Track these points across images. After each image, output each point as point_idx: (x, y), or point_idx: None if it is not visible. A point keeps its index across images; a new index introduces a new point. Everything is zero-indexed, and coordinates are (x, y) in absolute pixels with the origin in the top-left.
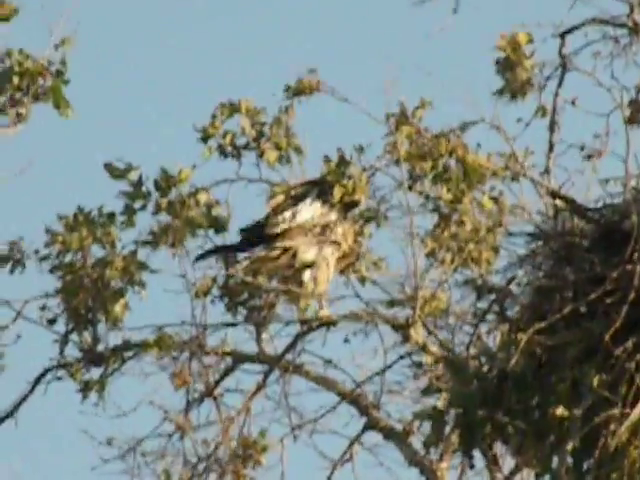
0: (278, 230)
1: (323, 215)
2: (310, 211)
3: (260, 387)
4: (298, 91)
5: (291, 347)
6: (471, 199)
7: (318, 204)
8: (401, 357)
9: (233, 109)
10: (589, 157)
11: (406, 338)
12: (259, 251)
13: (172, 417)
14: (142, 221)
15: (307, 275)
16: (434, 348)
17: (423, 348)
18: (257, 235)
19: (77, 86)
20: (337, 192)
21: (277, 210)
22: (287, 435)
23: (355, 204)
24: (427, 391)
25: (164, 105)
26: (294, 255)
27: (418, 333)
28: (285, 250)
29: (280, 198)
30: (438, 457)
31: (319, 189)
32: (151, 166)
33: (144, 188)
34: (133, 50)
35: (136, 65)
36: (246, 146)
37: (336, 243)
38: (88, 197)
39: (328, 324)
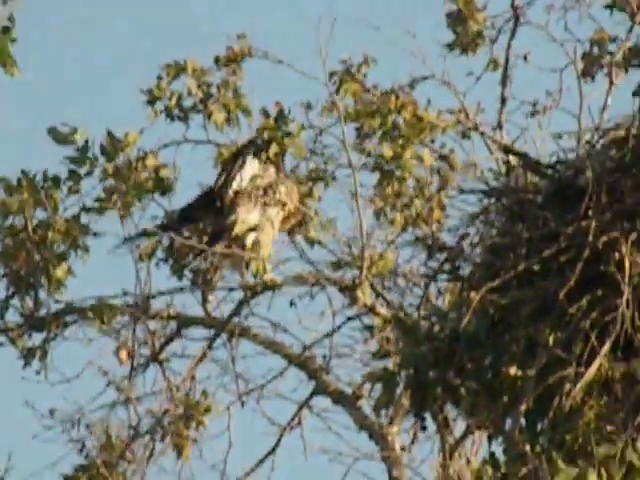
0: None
1: (262, 173)
2: (249, 172)
3: (205, 353)
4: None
5: (236, 312)
6: (412, 155)
7: (255, 163)
8: (349, 319)
9: (179, 69)
10: (533, 114)
11: (353, 300)
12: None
13: (116, 383)
14: (87, 186)
15: (250, 239)
16: (382, 309)
17: (371, 309)
18: (204, 205)
19: (22, 44)
20: (273, 149)
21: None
22: (234, 402)
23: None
24: (377, 355)
25: (110, 66)
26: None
27: (365, 294)
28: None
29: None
30: (388, 421)
31: (254, 148)
32: (97, 130)
33: (90, 153)
34: (80, 8)
35: (83, 25)
36: (193, 107)
37: (281, 203)
38: (33, 160)
39: (273, 287)
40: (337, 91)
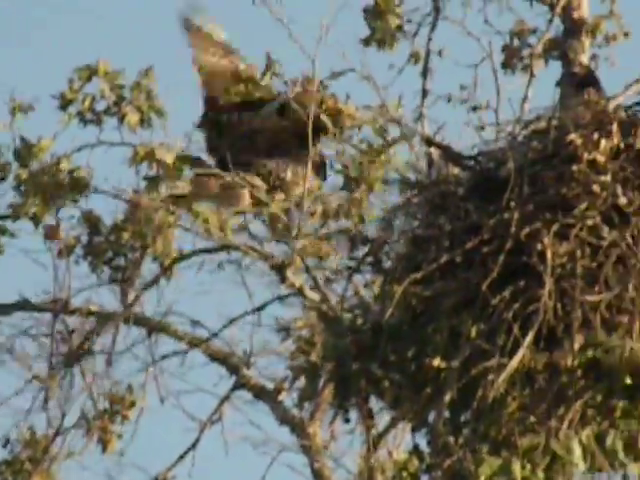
0: None
1: None
2: None
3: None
4: None
5: (154, 282)
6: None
7: None
8: (277, 298)
9: (91, 72)
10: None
11: (283, 279)
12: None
13: (39, 378)
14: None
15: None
16: (310, 293)
17: (300, 291)
18: None
19: None
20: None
21: None
22: (154, 397)
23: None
24: (297, 353)
25: (18, 69)
26: None
27: (295, 275)
28: None
29: None
30: (309, 415)
31: None
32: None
33: (2, 159)
34: None
35: None
36: (106, 110)
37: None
38: None
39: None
40: None
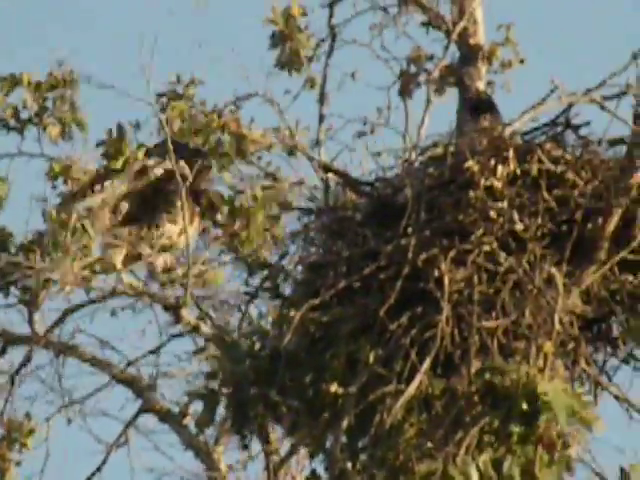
0: None
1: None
2: None
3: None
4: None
5: (59, 322)
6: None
7: None
8: (173, 336)
9: (15, 82)
10: (360, 135)
11: (178, 319)
12: None
13: None
14: None
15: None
16: (206, 329)
17: (195, 329)
18: None
19: None
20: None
21: None
22: (54, 415)
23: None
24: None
25: None
26: None
27: (190, 314)
28: None
29: None
30: (214, 440)
31: None
32: None
33: None
34: None
35: None
36: (29, 120)
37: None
38: None
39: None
40: (164, 110)
